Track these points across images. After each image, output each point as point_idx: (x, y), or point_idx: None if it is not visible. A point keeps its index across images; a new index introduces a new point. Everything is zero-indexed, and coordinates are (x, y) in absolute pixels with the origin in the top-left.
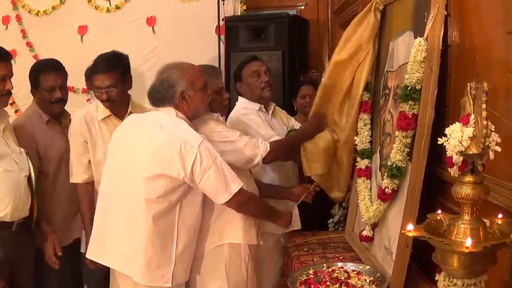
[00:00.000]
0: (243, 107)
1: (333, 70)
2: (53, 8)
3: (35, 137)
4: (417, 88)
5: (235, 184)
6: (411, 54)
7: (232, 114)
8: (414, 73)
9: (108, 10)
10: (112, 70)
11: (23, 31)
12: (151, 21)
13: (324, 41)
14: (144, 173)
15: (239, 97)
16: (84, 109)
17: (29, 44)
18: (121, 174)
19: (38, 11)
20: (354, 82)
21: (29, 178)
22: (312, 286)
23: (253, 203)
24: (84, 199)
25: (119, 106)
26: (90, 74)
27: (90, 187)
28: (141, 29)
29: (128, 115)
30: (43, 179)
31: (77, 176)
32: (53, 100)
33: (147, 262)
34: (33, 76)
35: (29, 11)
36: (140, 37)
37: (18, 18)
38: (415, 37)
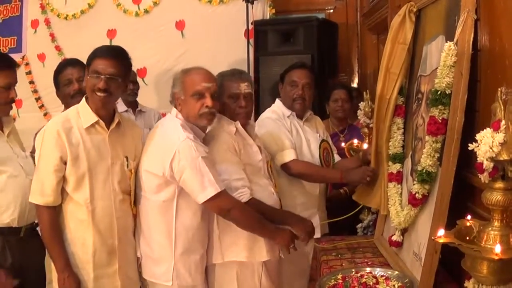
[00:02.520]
0: (273, 110)
1: (383, 80)
2: (82, 12)
3: None
4: (447, 92)
5: (212, 188)
6: (441, 58)
7: (262, 114)
8: (444, 78)
9: (137, 14)
10: (119, 58)
11: (52, 35)
12: (180, 25)
13: (353, 44)
14: (141, 170)
15: (276, 99)
16: (59, 117)
17: (58, 48)
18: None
19: (67, 15)
20: (388, 86)
21: None
22: None
23: (239, 212)
24: (46, 225)
25: (110, 106)
26: (91, 57)
27: (53, 212)
28: (170, 33)
29: (115, 123)
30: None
31: (41, 197)
32: (72, 94)
33: (147, 258)
34: (54, 78)
35: (58, 15)
36: (169, 41)
37: (47, 22)
38: (447, 42)
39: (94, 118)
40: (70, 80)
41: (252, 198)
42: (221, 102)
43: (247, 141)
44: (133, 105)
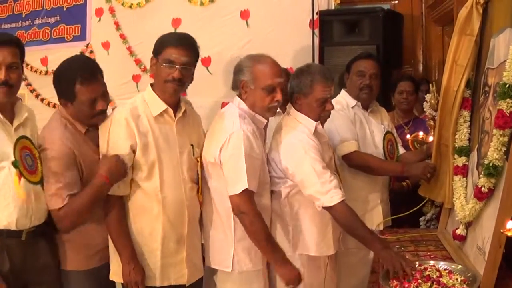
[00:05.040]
0: (337, 100)
1: (449, 72)
2: (147, 1)
3: (76, 153)
4: None
5: (241, 184)
6: (509, 51)
7: None
8: None
9: (202, 3)
10: (191, 47)
11: (116, 23)
12: (244, 15)
13: (418, 36)
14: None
15: (342, 90)
16: (126, 105)
17: (122, 36)
18: None
19: (132, 4)
20: (455, 78)
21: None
22: (403, 283)
23: (249, 221)
24: (115, 217)
25: (179, 95)
26: (162, 45)
27: (122, 203)
28: (235, 22)
29: (182, 112)
30: None
31: (115, 187)
32: (96, 113)
33: (210, 244)
34: (65, 85)
35: (122, 4)
36: (234, 30)
37: (111, 11)
38: None
39: (163, 106)
40: (95, 99)
41: (342, 201)
42: (306, 100)
43: (323, 139)
44: None
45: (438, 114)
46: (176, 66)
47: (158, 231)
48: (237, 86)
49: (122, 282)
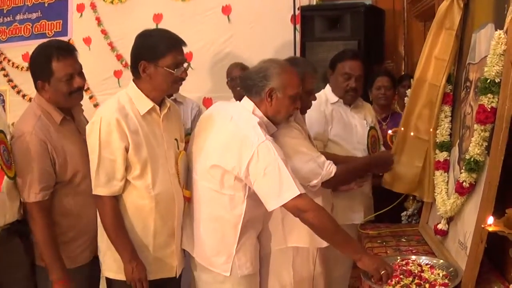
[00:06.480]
0: (318, 94)
1: (425, 64)
2: None
3: (47, 143)
4: (496, 81)
5: (289, 192)
6: (491, 47)
7: None
8: (493, 66)
9: None
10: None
11: (97, 19)
12: (226, 10)
13: (399, 31)
14: (207, 162)
15: (327, 85)
16: (113, 104)
17: (103, 32)
18: (192, 160)
19: (113, 0)
20: (437, 73)
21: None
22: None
23: (315, 215)
24: (110, 216)
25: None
26: (168, 48)
27: (116, 202)
28: (217, 17)
29: (167, 108)
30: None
31: (107, 188)
32: (73, 90)
33: (205, 246)
34: (42, 64)
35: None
36: (216, 26)
37: (93, 6)
38: (496, 30)
39: (150, 103)
40: (72, 75)
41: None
42: None
43: (304, 126)
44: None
45: (407, 104)
46: (185, 66)
47: (150, 226)
48: (258, 92)
49: (125, 279)
